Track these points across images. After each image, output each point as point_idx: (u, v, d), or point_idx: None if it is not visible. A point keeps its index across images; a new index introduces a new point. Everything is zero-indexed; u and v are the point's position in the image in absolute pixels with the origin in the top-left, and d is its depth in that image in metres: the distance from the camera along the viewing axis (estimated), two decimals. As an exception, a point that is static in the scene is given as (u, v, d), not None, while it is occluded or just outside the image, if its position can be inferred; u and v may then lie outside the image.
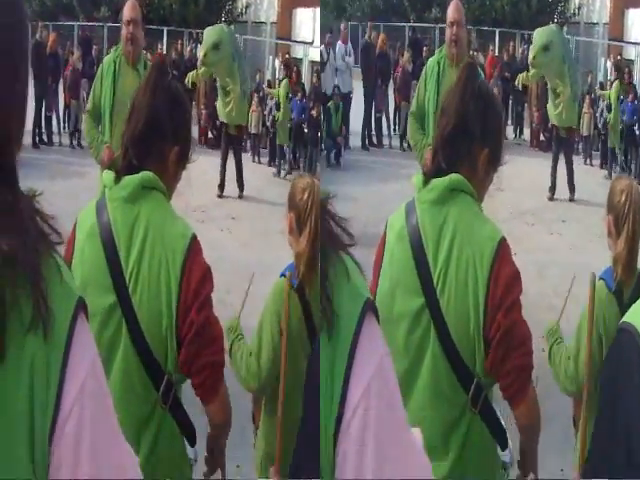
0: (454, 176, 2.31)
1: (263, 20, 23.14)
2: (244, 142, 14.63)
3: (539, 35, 9.65)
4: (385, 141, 15.71)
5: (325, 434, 1.32)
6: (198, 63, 10.36)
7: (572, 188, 10.67)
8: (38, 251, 1.22)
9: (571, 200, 10.51)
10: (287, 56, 17.03)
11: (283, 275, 2.77)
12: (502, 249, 2.31)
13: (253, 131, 14.22)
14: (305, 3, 20.67)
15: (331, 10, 16.05)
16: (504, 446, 2.43)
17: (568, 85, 9.86)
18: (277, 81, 15.29)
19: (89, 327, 1.30)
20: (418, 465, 1.38)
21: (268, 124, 14.01)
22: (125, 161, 2.37)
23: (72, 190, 8.38)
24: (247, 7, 22.44)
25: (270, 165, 13.81)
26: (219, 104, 10.57)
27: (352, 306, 1.35)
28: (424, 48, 14.86)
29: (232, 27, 21.26)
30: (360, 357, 1.32)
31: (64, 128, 13.37)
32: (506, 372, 2.32)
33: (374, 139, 15.85)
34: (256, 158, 13.87)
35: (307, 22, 19.54)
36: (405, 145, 13.20)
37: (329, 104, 12.40)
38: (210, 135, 13.08)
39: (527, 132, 15.19)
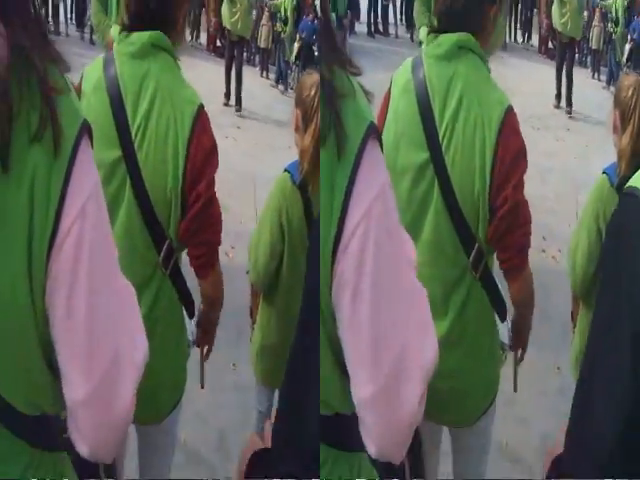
0: (463, 34, 2.26)
1: None
2: (253, 56, 14.62)
3: None
4: (392, 30, 15.64)
5: (324, 255, 1.27)
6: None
7: (570, 102, 10.49)
8: (51, 62, 1.22)
9: (569, 114, 10.38)
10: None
11: (287, 170, 2.76)
12: (511, 116, 2.28)
13: (262, 45, 14.05)
14: None
15: None
16: (503, 318, 2.44)
17: None
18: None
19: (91, 153, 1.29)
20: (411, 289, 1.33)
21: (259, 44, 13.79)
22: (134, 15, 2.28)
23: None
24: None
25: (278, 82, 13.62)
26: (224, 9, 10.73)
27: (356, 126, 1.30)
28: None
29: None
30: (363, 177, 1.27)
31: (71, 19, 13.34)
32: (507, 246, 2.31)
33: (380, 27, 15.83)
34: (264, 74, 13.72)
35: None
36: (415, 37, 13.00)
37: (334, -14, 11.90)
38: (219, 43, 12.98)
39: (536, 38, 15.05)
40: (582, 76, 13.64)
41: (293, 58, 13.17)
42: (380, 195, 1.28)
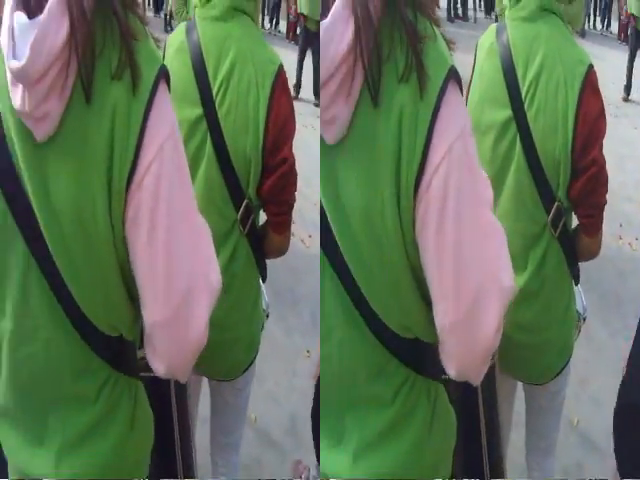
0: None
1: None
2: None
3: None
4: (471, 14, 15.60)
5: (406, 188, 1.31)
6: None
7: None
8: (130, 11, 1.32)
9: None
10: None
11: None
12: (592, 75, 2.29)
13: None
14: None
15: None
16: (577, 281, 2.48)
17: None
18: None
19: (170, 98, 1.37)
20: (490, 226, 1.37)
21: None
22: None
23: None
24: None
25: None
26: None
27: (437, 68, 1.34)
28: None
29: None
30: (444, 118, 1.31)
31: (149, 4, 13.59)
32: (592, 204, 2.35)
33: (460, 12, 15.84)
34: None
35: None
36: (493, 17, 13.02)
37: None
38: (299, 32, 11.88)
39: (615, 25, 14.81)
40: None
41: None
42: (461, 136, 1.32)
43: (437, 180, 1.29)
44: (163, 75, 1.34)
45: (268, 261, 2.50)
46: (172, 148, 1.32)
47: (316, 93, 9.38)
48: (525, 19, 2.29)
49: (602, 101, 2.31)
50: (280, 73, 2.30)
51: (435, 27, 1.38)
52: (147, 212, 1.29)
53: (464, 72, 2.39)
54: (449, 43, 1.43)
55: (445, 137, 1.30)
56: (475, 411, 2.15)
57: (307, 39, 9.60)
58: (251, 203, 2.33)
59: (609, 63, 10.92)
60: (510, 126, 2.28)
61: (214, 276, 1.39)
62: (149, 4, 13.80)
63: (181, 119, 2.08)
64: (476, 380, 1.46)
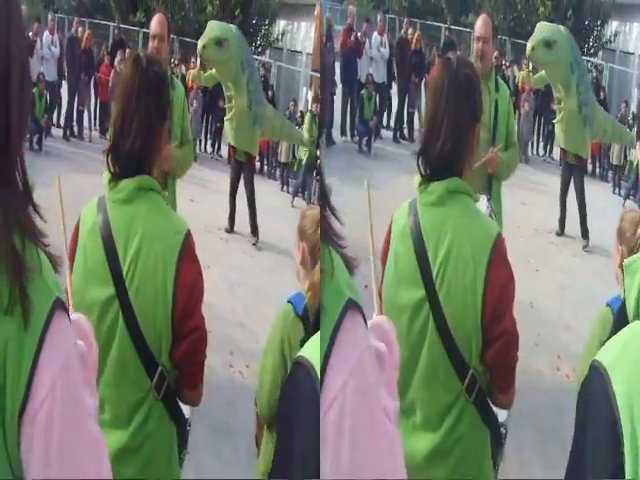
0: (453, 180, 2.42)
1: (299, 49, 23.18)
2: (273, 170, 14.71)
3: (541, 29, 8.32)
4: (416, 135, 15.92)
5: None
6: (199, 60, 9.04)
7: (585, 232, 9.01)
8: (23, 242, 1.28)
9: (585, 248, 8.96)
10: (319, 90, 16.96)
11: (289, 302, 2.86)
12: (500, 244, 2.42)
13: (283, 160, 14.24)
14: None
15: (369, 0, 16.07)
16: (495, 436, 2.57)
17: (574, 99, 8.54)
18: (308, 112, 15.31)
19: (68, 326, 1.34)
20: (387, 435, 1.41)
21: (280, 158, 13.94)
22: (121, 164, 2.47)
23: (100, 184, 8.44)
24: (283, 34, 22.48)
25: (296, 195, 13.76)
26: (226, 123, 9.13)
27: (43, 300, 1.30)
28: (458, 52, 14.90)
29: (267, 51, 21.53)
30: (338, 352, 1.35)
31: (95, 125, 13.63)
32: (504, 366, 2.47)
33: (405, 132, 16.11)
34: (285, 187, 14.01)
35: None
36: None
37: (362, 92, 12.30)
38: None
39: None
40: (603, 192, 13.68)
41: (315, 173, 13.24)
42: (356, 368, 1.37)
43: (333, 411, 1.33)
44: (58, 307, 1.32)
45: (204, 394, 2.62)
46: (65, 385, 1.31)
47: (253, 230, 9.16)
48: (434, 204, 2.42)
49: (510, 268, 2.43)
50: (186, 242, 2.44)
51: (42, 255, 1.34)
52: (41, 446, 1.28)
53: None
54: (350, 265, 1.49)
55: (340, 370, 1.35)
56: None
57: (237, 170, 9.41)
58: (165, 370, 2.42)
59: (551, 190, 11.07)
60: (423, 306, 2.40)
61: None
62: (95, 125, 13.82)
63: (93, 300, 2.33)
64: None
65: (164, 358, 2.41)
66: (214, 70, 8.73)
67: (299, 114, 14.95)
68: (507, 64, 16.26)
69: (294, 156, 14.14)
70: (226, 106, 9.01)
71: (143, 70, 2.50)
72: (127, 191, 2.43)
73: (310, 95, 17.12)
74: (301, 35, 22.56)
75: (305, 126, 11.80)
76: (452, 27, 18.00)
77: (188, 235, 2.47)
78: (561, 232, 9.56)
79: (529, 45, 8.00)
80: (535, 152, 16.07)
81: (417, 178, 2.49)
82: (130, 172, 2.44)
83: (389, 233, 2.58)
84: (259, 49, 21.10)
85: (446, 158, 2.41)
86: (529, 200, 10.63)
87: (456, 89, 2.44)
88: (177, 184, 4.84)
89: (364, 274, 1.72)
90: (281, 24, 22.01)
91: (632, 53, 20.83)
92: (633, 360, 1.25)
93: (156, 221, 2.46)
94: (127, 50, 14.75)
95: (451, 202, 2.42)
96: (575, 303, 6.97)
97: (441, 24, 18.70)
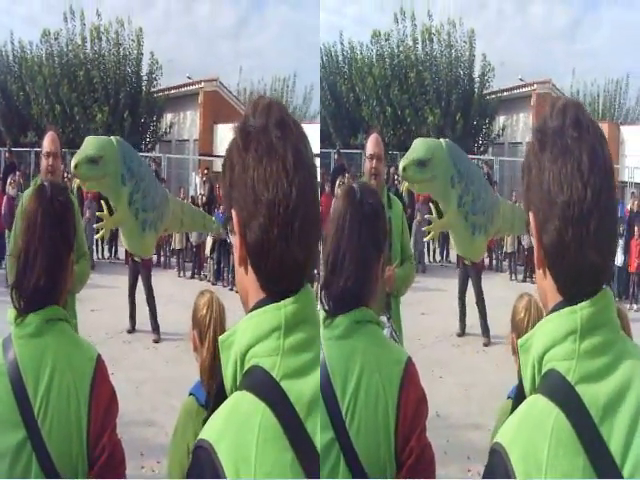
0: (358, 310, 2.34)
1: (186, 137, 23.35)
2: (168, 259, 14.60)
3: (415, 148, 7.89)
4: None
5: None
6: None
7: (486, 331, 9.30)
8: None
9: (485, 345, 9.24)
10: (206, 171, 17.03)
11: (191, 394, 2.88)
12: (409, 371, 2.34)
13: (177, 247, 14.23)
14: (226, 119, 20.95)
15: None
16: None
17: (458, 212, 8.28)
18: (200, 196, 15.31)
19: None
20: None
21: (191, 240, 14.04)
22: (27, 299, 2.38)
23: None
24: (171, 126, 22.66)
25: (193, 277, 14.00)
26: (121, 234, 9.28)
27: None
28: (346, 174, 15.14)
29: (157, 146, 21.48)
30: None
31: None
32: None
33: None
34: (182, 273, 14.12)
35: (228, 137, 19.62)
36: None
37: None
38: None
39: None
40: (500, 279, 13.92)
41: (208, 252, 13.25)
42: None
43: None
44: None
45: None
46: None
47: (155, 328, 9.33)
48: (340, 337, 2.32)
49: (422, 391, 2.34)
50: (98, 369, 2.36)
51: None
52: None
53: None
54: None
55: None
56: None
57: (134, 271, 9.67)
58: None
59: (450, 293, 11.13)
60: (333, 447, 2.25)
61: None
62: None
63: (4, 447, 2.25)
64: None
65: None
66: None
67: (190, 200, 14.84)
68: (399, 179, 16.60)
69: (188, 240, 14.05)
70: (95, 226, 9.05)
71: (48, 201, 2.43)
72: (35, 324, 2.36)
73: (198, 180, 17.16)
74: (187, 123, 22.82)
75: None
76: (341, 151, 18.35)
77: (98, 360, 2.40)
78: (462, 332, 9.72)
79: (401, 166, 7.72)
80: (432, 258, 16.34)
81: (321, 314, 2.36)
82: (37, 306, 2.37)
83: None
84: (149, 145, 21.24)
85: (350, 292, 2.33)
86: (428, 309, 10.70)
87: (360, 219, 2.38)
88: (76, 297, 4.80)
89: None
90: (168, 117, 22.28)
91: (520, 143, 21.77)
92: (528, 437, 1.27)
93: (66, 351, 2.38)
94: (17, 173, 14.55)
95: (358, 333, 2.34)
96: (481, 400, 6.97)
97: (330, 149, 19.10)
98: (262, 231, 1.32)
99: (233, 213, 1.35)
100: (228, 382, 1.37)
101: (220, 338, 1.40)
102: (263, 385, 1.31)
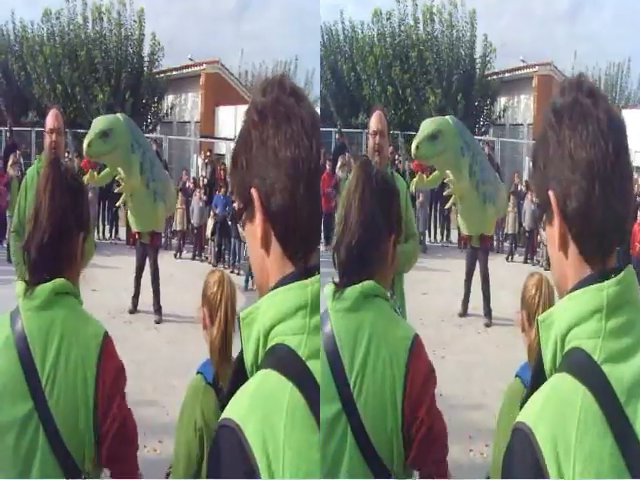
0: (366, 283, 2.34)
1: (187, 119, 23.28)
2: (169, 241, 14.65)
3: (423, 127, 8.64)
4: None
5: None
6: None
7: (488, 312, 9.38)
8: None
9: (487, 326, 9.30)
10: (209, 153, 17.04)
11: (199, 372, 2.88)
12: (416, 346, 2.35)
13: (178, 228, 14.26)
14: (227, 101, 20.92)
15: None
16: None
17: (470, 180, 8.90)
18: (201, 178, 15.33)
19: None
20: None
21: (193, 222, 14.09)
22: (37, 266, 2.41)
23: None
24: (172, 108, 22.60)
25: (194, 259, 14.00)
26: (128, 213, 9.38)
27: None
28: (347, 154, 15.13)
29: (158, 127, 21.45)
30: None
31: None
32: (429, 463, 2.41)
33: None
34: (179, 254, 14.09)
35: (229, 119, 19.73)
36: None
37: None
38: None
39: (455, 233, 15.43)
40: (499, 260, 13.90)
41: (209, 234, 13.29)
42: None
43: None
44: None
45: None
46: None
47: (157, 310, 9.29)
48: (349, 309, 2.33)
49: (430, 365, 2.38)
50: (105, 344, 2.39)
51: None
52: None
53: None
54: None
55: None
56: None
57: (142, 253, 9.49)
58: (88, 476, 2.36)
59: (452, 274, 11.15)
60: (340, 419, 2.28)
61: None
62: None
63: (11, 419, 2.27)
64: None
65: (87, 463, 2.36)
66: (104, 171, 9.22)
67: (192, 181, 14.86)
68: (400, 159, 16.58)
69: (189, 221, 14.07)
70: (116, 190, 9.33)
71: (61, 173, 2.46)
72: (43, 296, 2.36)
73: (200, 161, 17.16)
74: (189, 105, 22.72)
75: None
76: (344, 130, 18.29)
77: (106, 336, 2.42)
78: (464, 313, 9.76)
79: (414, 145, 8.35)
80: (433, 239, 16.32)
81: (328, 287, 2.39)
82: (44, 273, 2.39)
83: None
84: (150, 127, 21.19)
85: (357, 250, 2.36)
86: (429, 288, 10.69)
87: (371, 188, 2.41)
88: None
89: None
90: (169, 99, 22.20)
91: (521, 124, 21.71)
92: (555, 415, 1.26)
93: (74, 325, 2.39)
94: (17, 152, 14.55)
95: (367, 307, 2.36)
96: (482, 380, 6.97)
97: (331, 128, 19.02)
98: (288, 193, 1.32)
99: (253, 192, 1.34)
100: (548, 362, 1.37)
101: (539, 318, 1.40)
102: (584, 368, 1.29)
